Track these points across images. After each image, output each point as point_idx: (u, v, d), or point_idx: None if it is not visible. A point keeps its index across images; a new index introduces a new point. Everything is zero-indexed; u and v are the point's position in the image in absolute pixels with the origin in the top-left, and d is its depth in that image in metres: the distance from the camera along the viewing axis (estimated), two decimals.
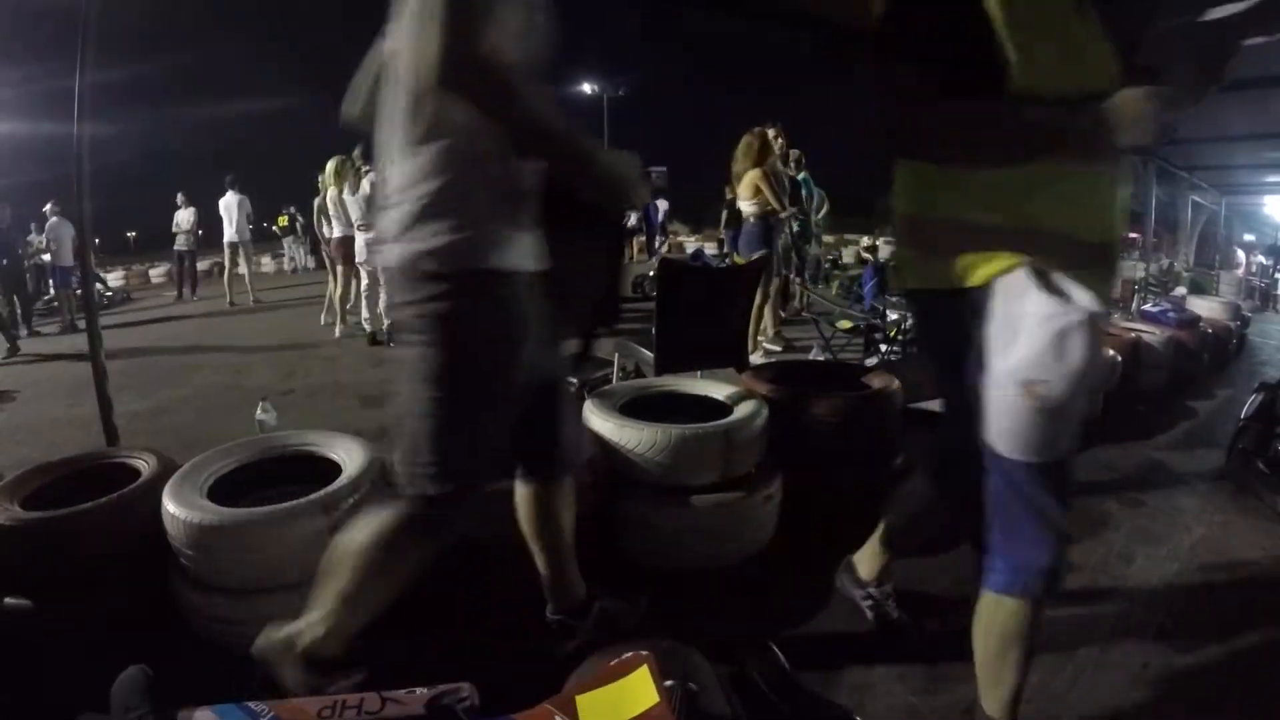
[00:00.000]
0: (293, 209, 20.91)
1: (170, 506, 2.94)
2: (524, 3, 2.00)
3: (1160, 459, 5.21)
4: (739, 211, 17.23)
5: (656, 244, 21.59)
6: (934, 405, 4.66)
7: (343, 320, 10.36)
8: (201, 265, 24.05)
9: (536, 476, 2.68)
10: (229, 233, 14.46)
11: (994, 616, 2.10)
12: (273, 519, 2.86)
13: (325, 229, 10.42)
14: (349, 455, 3.32)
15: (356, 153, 9.30)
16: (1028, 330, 1.78)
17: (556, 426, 2.63)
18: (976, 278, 1.88)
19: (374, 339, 9.46)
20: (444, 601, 3.00)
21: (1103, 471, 4.88)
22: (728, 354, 5.01)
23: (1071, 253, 1.82)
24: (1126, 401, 6.12)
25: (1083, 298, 1.74)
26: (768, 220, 8.15)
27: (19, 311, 12.44)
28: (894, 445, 4.27)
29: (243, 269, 14.96)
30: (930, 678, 2.71)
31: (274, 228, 22.70)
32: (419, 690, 1.90)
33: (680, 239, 23.02)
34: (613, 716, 1.48)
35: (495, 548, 3.00)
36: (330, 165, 9.80)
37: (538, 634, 2.83)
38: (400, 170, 2.05)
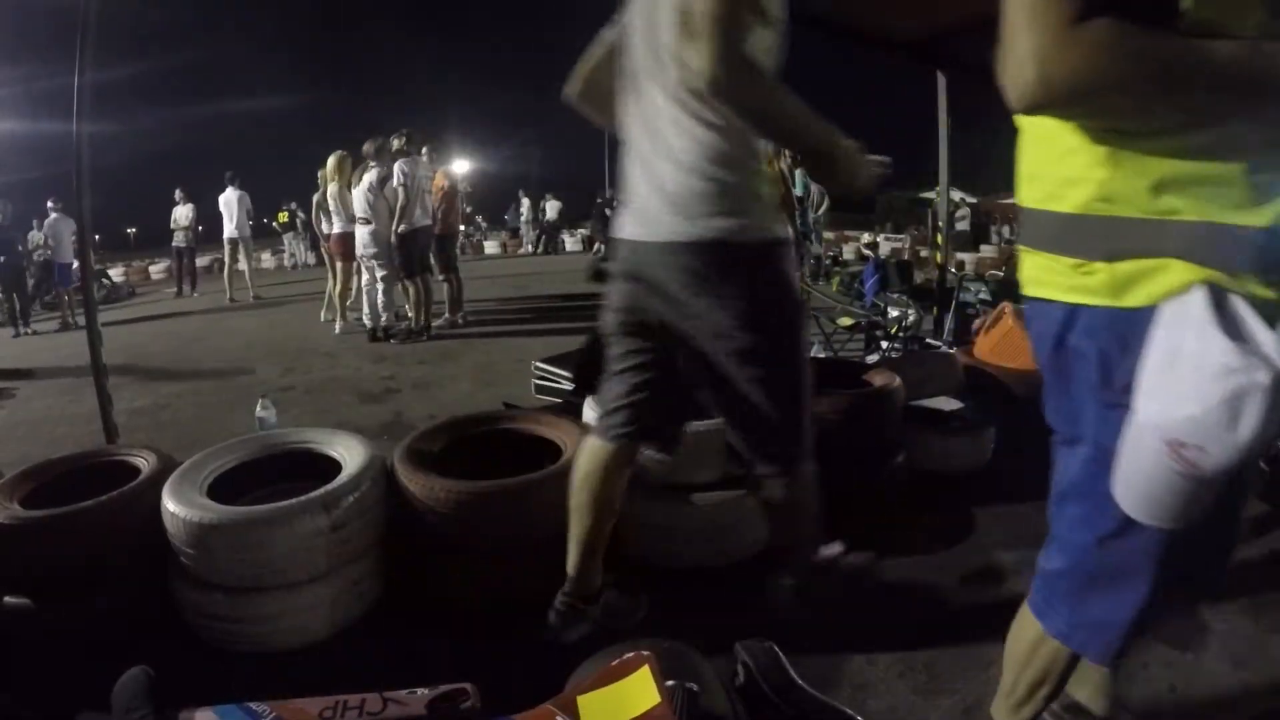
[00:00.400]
0: (293, 205, 20.92)
1: (170, 505, 2.94)
2: (772, 20, 2.16)
3: None
4: None
5: None
6: (935, 403, 4.69)
7: (343, 316, 10.36)
8: (201, 261, 24.09)
9: (642, 439, 2.72)
10: (229, 229, 14.45)
11: (1035, 650, 1.88)
12: (273, 517, 2.85)
13: (325, 224, 10.40)
14: (349, 452, 3.31)
15: (368, 148, 9.26)
16: (1195, 380, 1.34)
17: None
18: (1137, 296, 1.43)
19: (374, 335, 9.45)
20: (445, 602, 3.05)
21: None
22: None
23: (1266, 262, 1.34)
24: None
25: (1273, 345, 1.28)
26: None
27: (17, 308, 12.51)
28: (895, 443, 4.25)
29: (243, 265, 14.94)
30: (931, 676, 2.70)
31: (274, 224, 22.72)
32: (420, 691, 1.88)
33: None
34: (614, 717, 1.48)
35: (497, 548, 3.07)
36: (331, 160, 9.77)
37: (539, 634, 2.81)
38: (672, 161, 2.26)
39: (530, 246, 24.43)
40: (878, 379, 4.39)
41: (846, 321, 7.70)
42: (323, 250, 11.04)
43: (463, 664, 2.18)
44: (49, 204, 13.63)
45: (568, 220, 25.30)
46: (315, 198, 10.76)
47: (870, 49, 6.74)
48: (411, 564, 3.19)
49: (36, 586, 3.04)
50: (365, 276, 9.47)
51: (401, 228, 9.23)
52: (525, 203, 25.81)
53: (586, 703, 1.54)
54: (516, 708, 1.66)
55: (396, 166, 9.10)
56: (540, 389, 5.65)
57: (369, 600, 3.13)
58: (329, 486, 3.00)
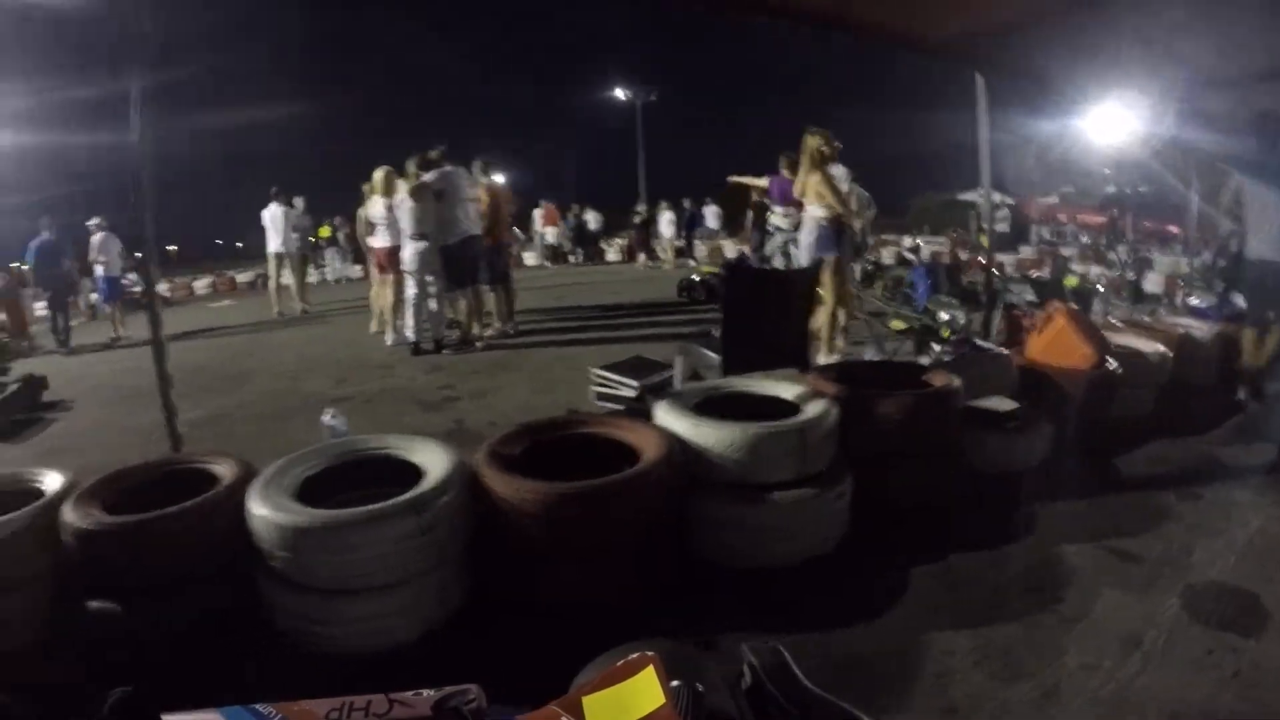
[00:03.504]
0: (335, 220, 21.06)
1: (260, 509, 3.01)
2: None
3: (1214, 453, 5.20)
4: (765, 214, 17.30)
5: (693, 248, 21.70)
6: (990, 403, 4.74)
7: (393, 329, 10.36)
8: (244, 277, 24.37)
9: None
10: (274, 244, 14.50)
11: None
12: (367, 520, 2.90)
13: (371, 238, 10.46)
14: (430, 458, 3.35)
15: (411, 163, 9.34)
16: None
17: None
18: None
19: (417, 349, 9.47)
20: (531, 603, 3.11)
21: (1158, 465, 4.91)
22: (790, 355, 5.02)
23: None
24: (1177, 396, 6.08)
25: None
26: (837, 223, 8.03)
27: (61, 324, 12.63)
28: (956, 443, 4.30)
29: (288, 280, 15.03)
30: (1007, 664, 2.83)
31: (315, 239, 22.89)
32: (425, 692, 1.87)
33: (719, 243, 23.05)
34: (619, 717, 1.37)
35: (582, 549, 3.13)
36: (377, 174, 9.84)
37: (544, 635, 2.84)
38: None
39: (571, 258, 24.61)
40: (938, 380, 4.42)
41: (899, 325, 7.73)
42: (370, 263, 11.08)
43: (469, 664, 2.22)
44: (93, 221, 13.71)
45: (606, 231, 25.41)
46: (360, 212, 10.83)
47: (909, 50, 6.79)
48: (496, 566, 3.23)
49: (122, 591, 3.11)
50: (412, 289, 9.47)
51: (449, 239, 9.29)
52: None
53: (592, 703, 1.42)
54: (522, 708, 1.69)
55: (436, 178, 9.19)
56: (601, 396, 5.67)
57: (455, 602, 3.17)
58: (419, 490, 3.05)
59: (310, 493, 3.25)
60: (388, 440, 3.69)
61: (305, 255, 16.38)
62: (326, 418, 5.07)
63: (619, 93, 33.73)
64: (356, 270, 21.69)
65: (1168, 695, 2.64)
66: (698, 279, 12.77)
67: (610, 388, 5.57)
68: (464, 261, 9.51)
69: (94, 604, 3.13)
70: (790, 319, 5.00)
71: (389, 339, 10.29)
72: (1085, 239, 19.21)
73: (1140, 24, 6.15)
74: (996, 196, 20.73)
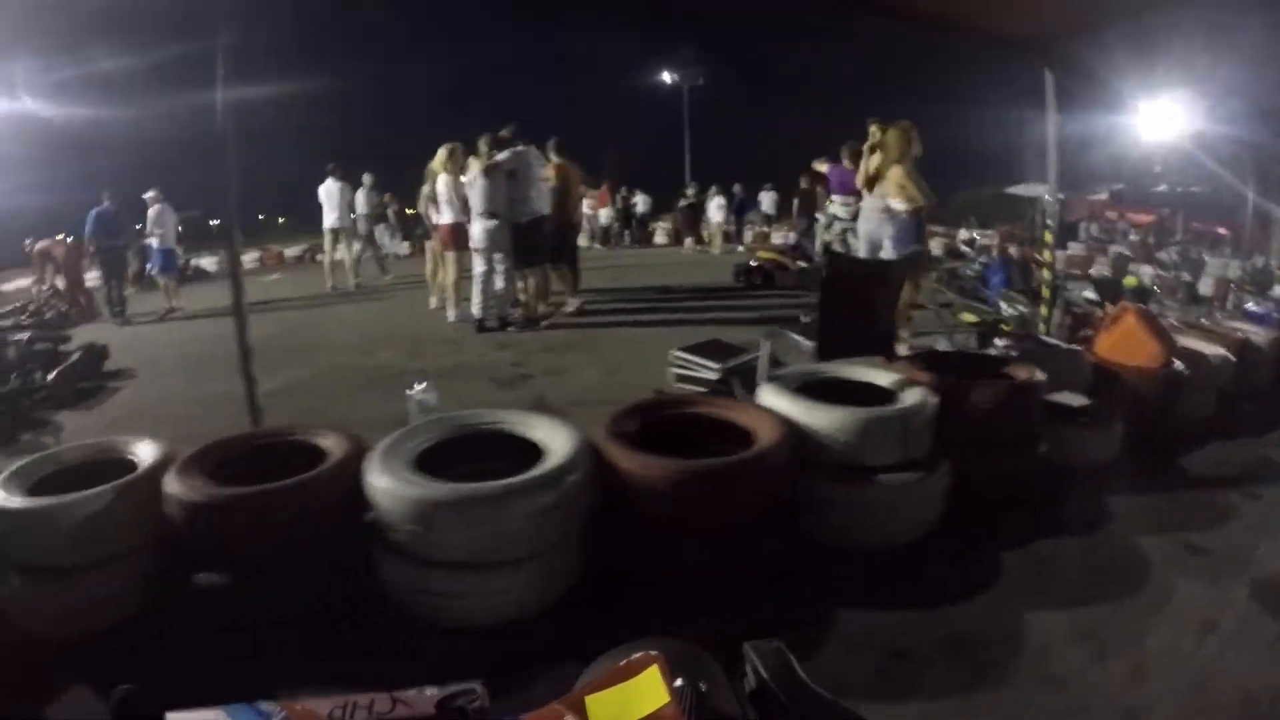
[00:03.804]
0: (386, 196, 21.23)
1: (384, 482, 3.07)
2: None
3: (1272, 456, 5.25)
4: (813, 201, 17.26)
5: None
6: (1062, 398, 4.84)
7: (455, 305, 10.44)
8: (292, 251, 24.57)
9: None
10: (329, 219, 14.61)
11: None
12: (503, 494, 2.95)
13: (434, 215, 10.54)
14: (550, 434, 3.40)
15: (482, 140, 9.39)
16: None
17: None
18: None
19: (482, 326, 9.55)
20: (653, 579, 3.19)
21: (1220, 466, 4.98)
22: (878, 344, 5.09)
23: None
24: (1237, 399, 6.17)
25: None
26: (918, 216, 8.03)
27: (116, 294, 12.89)
28: (1039, 433, 4.38)
29: (343, 255, 15.15)
30: (1099, 642, 3.02)
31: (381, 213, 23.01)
32: (429, 690, 1.65)
33: (764, 229, 23.06)
34: (623, 716, 1.44)
35: (702, 526, 3.21)
36: (442, 152, 9.88)
37: (547, 634, 2.94)
38: None
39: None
40: (1021, 372, 4.49)
41: (970, 318, 7.78)
42: (434, 240, 11.16)
43: (473, 663, 2.21)
44: (149, 194, 13.84)
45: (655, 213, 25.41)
46: (424, 189, 10.84)
47: (986, 46, 6.87)
48: (618, 542, 3.30)
49: (233, 564, 3.20)
50: (480, 267, 9.53)
51: (520, 218, 9.35)
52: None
53: (595, 702, 1.50)
54: (526, 707, 1.57)
55: (509, 158, 9.26)
56: (680, 378, 5.76)
57: (575, 579, 3.22)
58: (550, 466, 3.09)
59: (426, 467, 3.29)
60: (500, 415, 3.76)
61: (371, 231, 16.63)
62: (416, 391, 5.17)
63: (665, 77, 33.66)
64: (404, 247, 21.91)
65: (1242, 677, 2.83)
66: (754, 264, 12.78)
67: (690, 369, 5.66)
68: (533, 241, 9.58)
69: (206, 577, 3.22)
70: (882, 309, 5.08)
71: (451, 315, 10.38)
72: (1134, 237, 19.10)
73: (1202, 23, 6.20)
74: (1046, 192, 20.73)
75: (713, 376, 5.49)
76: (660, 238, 24.20)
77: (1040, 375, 4.42)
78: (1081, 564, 3.63)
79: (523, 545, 3.03)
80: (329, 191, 14.54)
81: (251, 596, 3.18)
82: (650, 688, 1.46)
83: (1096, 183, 23.74)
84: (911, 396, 3.84)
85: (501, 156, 9.24)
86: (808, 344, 4.93)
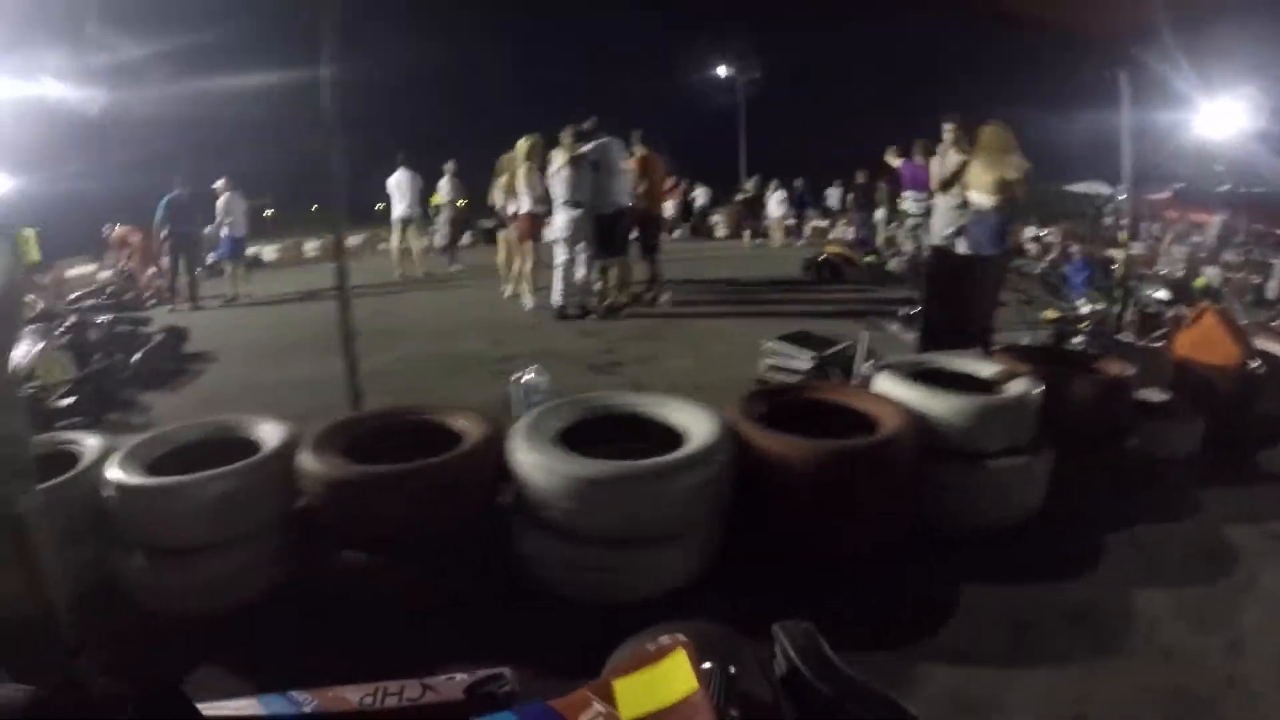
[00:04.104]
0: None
1: (538, 459, 3.18)
2: None
3: None
4: (870, 195, 17.27)
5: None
6: (1147, 394, 5.00)
7: (533, 293, 10.60)
8: (354, 240, 24.79)
9: None
10: (399, 208, 14.87)
11: None
12: (662, 472, 3.08)
13: (511, 205, 10.70)
14: (688, 416, 3.54)
15: (566, 131, 9.55)
16: None
17: None
18: None
19: (562, 313, 9.71)
20: (787, 555, 3.33)
21: None
22: (975, 337, 5.20)
23: None
24: None
25: None
26: (1003, 214, 8.17)
27: (186, 280, 13.20)
28: (1127, 427, 4.53)
29: (411, 243, 15.37)
30: (1203, 616, 3.23)
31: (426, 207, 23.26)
32: (458, 676, 1.89)
33: (820, 224, 23.06)
34: (651, 702, 1.48)
35: (833, 506, 3.34)
36: (522, 143, 10.06)
37: (575, 619, 3.04)
38: None
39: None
40: (1112, 368, 4.60)
41: (1051, 315, 7.90)
42: (509, 229, 11.30)
43: (501, 649, 2.31)
44: (218, 183, 14.18)
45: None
46: (500, 180, 11.04)
47: (1068, 45, 6.98)
48: (753, 519, 3.40)
49: (374, 542, 3.24)
50: (562, 256, 9.68)
51: (603, 209, 9.53)
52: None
53: (623, 687, 1.55)
54: (554, 692, 1.67)
55: (594, 149, 9.43)
56: (773, 367, 5.90)
57: (715, 553, 3.34)
58: (703, 444, 3.21)
59: (569, 446, 3.36)
60: (632, 398, 3.92)
61: (454, 219, 17.01)
62: (527, 376, 5.35)
63: (720, 71, 33.47)
64: (465, 237, 22.16)
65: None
66: (822, 258, 12.89)
67: (784, 359, 5.81)
68: (616, 231, 9.77)
69: (350, 554, 3.25)
70: (981, 303, 5.27)
71: (528, 303, 10.54)
72: (1197, 238, 18.98)
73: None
74: (1107, 189, 20.59)
75: (806, 366, 5.63)
76: (720, 230, 24.26)
77: (1131, 371, 4.57)
78: (1176, 548, 3.81)
79: (675, 523, 3.18)
80: (399, 181, 14.81)
81: (397, 574, 3.23)
82: (678, 673, 1.52)
83: (1157, 181, 23.54)
84: (1017, 387, 3.98)
85: (586, 148, 9.41)
86: (910, 335, 5.11)
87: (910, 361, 4.57)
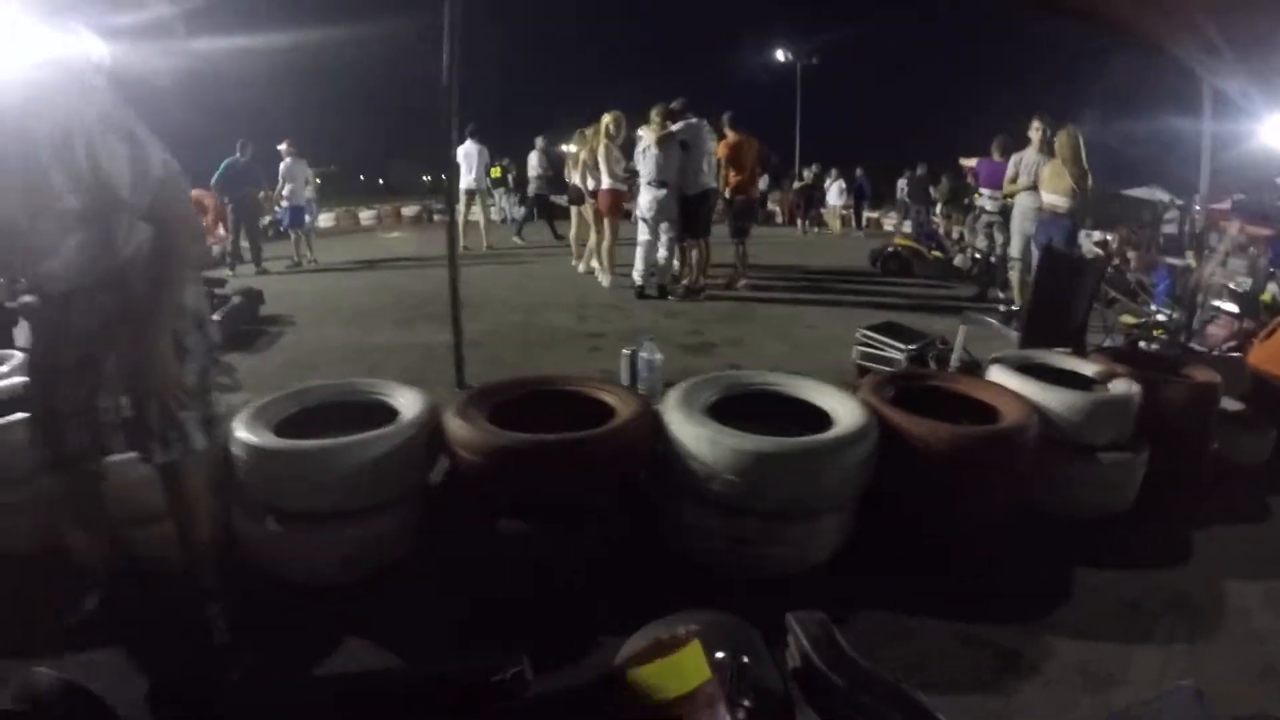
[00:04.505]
0: (505, 161, 21.59)
1: (700, 430, 3.26)
2: None
3: None
4: (926, 190, 17.23)
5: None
6: (1224, 403, 5.17)
7: (608, 271, 10.73)
8: (409, 210, 25.07)
9: None
10: (466, 180, 14.96)
11: None
12: (833, 448, 3.23)
13: (589, 181, 10.87)
14: (829, 396, 3.73)
15: (655, 110, 9.61)
16: None
17: None
18: None
19: (641, 292, 9.84)
20: (920, 537, 3.44)
21: None
22: (1071, 336, 5.36)
23: None
24: None
25: None
26: (1074, 218, 8.35)
27: (249, 244, 13.44)
28: (1212, 432, 4.66)
29: (477, 216, 15.58)
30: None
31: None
32: (475, 663, 1.96)
33: (875, 215, 23.15)
34: (664, 691, 1.51)
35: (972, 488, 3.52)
36: (606, 118, 10.20)
37: (591, 610, 3.11)
38: None
39: None
40: (1200, 374, 4.74)
41: (1130, 320, 8.04)
42: (586, 205, 11.42)
43: (517, 637, 2.49)
44: (283, 146, 14.30)
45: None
46: (581, 154, 11.19)
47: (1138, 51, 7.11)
48: (882, 498, 3.50)
49: (532, 510, 3.25)
50: (645, 235, 9.80)
51: (690, 190, 9.64)
52: None
53: (635, 677, 1.58)
54: (569, 681, 1.75)
55: (683, 129, 9.55)
56: (865, 355, 6.03)
57: (851, 531, 3.45)
58: (857, 424, 3.35)
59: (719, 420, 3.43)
60: (772, 377, 4.06)
61: (540, 193, 17.36)
62: (644, 351, 5.45)
63: (779, 54, 33.16)
64: (521, 212, 22.35)
65: None
66: (891, 250, 12.98)
67: (876, 349, 5.95)
68: (700, 213, 9.87)
69: (506, 524, 3.24)
70: (1082, 304, 5.47)
71: (605, 281, 10.68)
72: (1253, 250, 18.90)
73: None
74: (1165, 196, 20.53)
75: (899, 356, 5.76)
76: (775, 218, 24.28)
77: (1218, 378, 4.68)
78: (1256, 543, 3.96)
79: (828, 499, 3.30)
80: (467, 153, 14.89)
81: (555, 543, 3.25)
82: (691, 663, 1.54)
83: (1217, 191, 23.31)
84: (1119, 386, 4.16)
85: (676, 127, 9.51)
86: (1011, 332, 5.33)
87: (1018, 356, 4.74)
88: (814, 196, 21.59)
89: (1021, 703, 2.66)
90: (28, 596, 3.12)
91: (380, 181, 45.78)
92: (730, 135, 10.58)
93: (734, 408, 3.67)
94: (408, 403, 3.64)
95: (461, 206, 15.23)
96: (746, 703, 1.53)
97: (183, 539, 3.04)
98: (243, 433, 3.34)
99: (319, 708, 1.85)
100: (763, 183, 24.54)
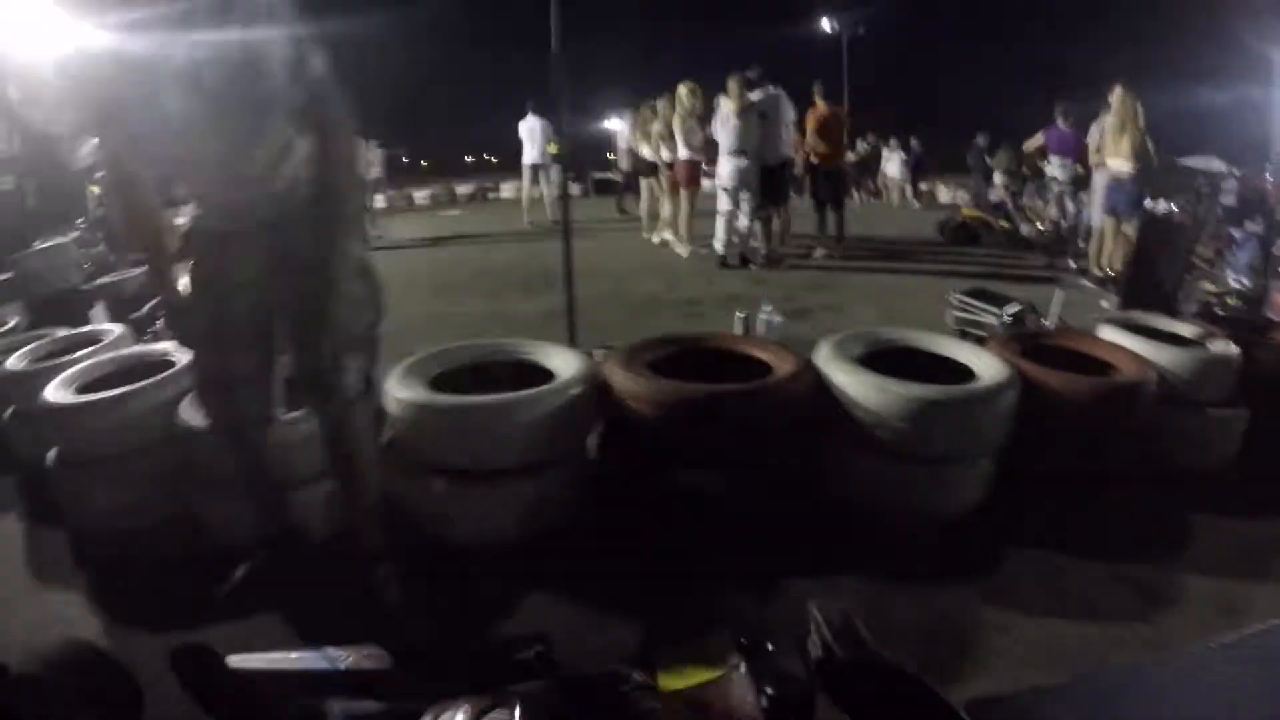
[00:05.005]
0: (560, 138, 21.70)
1: (867, 379, 3.45)
2: None
3: None
4: (983, 160, 17.16)
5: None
6: None
7: (686, 241, 10.91)
8: (464, 189, 25.29)
9: None
10: (530, 155, 15.16)
11: None
12: (982, 396, 3.45)
13: (664, 152, 11.07)
14: (964, 352, 3.96)
15: (734, 80, 9.69)
16: None
17: None
18: None
19: (723, 261, 10.02)
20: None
21: None
22: (1165, 299, 5.60)
23: None
24: None
25: None
26: (1139, 181, 8.55)
27: None
28: None
29: (542, 192, 15.72)
30: None
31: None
32: (500, 642, 2.03)
33: (934, 187, 23.03)
34: (690, 678, 1.52)
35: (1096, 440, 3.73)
36: (682, 89, 10.31)
37: (618, 594, 3.12)
38: None
39: None
40: None
41: (1210, 287, 8.12)
42: (662, 176, 11.59)
43: (541, 620, 2.73)
44: None
45: None
46: (651, 127, 11.44)
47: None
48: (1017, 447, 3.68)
49: (702, 457, 3.33)
50: (726, 205, 9.93)
51: (769, 160, 9.82)
52: None
53: (662, 662, 1.60)
54: (592, 664, 1.77)
55: (763, 99, 9.74)
56: (960, 320, 6.23)
57: (995, 478, 3.64)
58: (1004, 375, 3.56)
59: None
60: (911, 334, 4.24)
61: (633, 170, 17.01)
62: (763, 315, 5.70)
63: (825, 24, 32.69)
64: (575, 188, 22.51)
65: None
66: (960, 221, 13.10)
67: (972, 313, 6.17)
68: (781, 182, 10.09)
69: (688, 472, 3.34)
70: (1173, 267, 5.73)
71: (683, 251, 10.86)
72: None
73: None
74: (1222, 165, 20.42)
75: (994, 321, 5.95)
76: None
77: None
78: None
79: (984, 445, 3.53)
80: (530, 128, 15.07)
81: (733, 492, 3.37)
82: (719, 651, 1.57)
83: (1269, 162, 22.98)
84: (1219, 346, 4.34)
85: (755, 97, 9.67)
86: (1109, 296, 5.55)
87: (1123, 317, 4.97)
88: (871, 168, 21.58)
89: (1167, 629, 2.88)
90: (177, 568, 3.27)
91: (423, 163, 45.89)
92: (820, 106, 10.77)
93: (879, 362, 3.80)
94: (562, 361, 3.71)
95: (526, 181, 15.64)
96: (769, 690, 1.57)
97: (348, 499, 3.03)
98: (402, 390, 3.36)
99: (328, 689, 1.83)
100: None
